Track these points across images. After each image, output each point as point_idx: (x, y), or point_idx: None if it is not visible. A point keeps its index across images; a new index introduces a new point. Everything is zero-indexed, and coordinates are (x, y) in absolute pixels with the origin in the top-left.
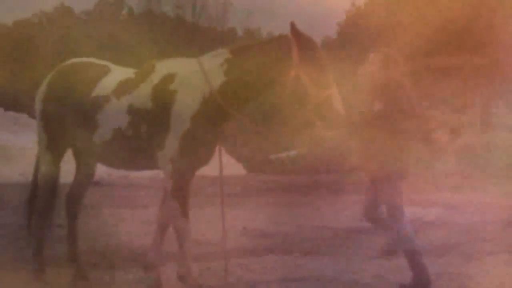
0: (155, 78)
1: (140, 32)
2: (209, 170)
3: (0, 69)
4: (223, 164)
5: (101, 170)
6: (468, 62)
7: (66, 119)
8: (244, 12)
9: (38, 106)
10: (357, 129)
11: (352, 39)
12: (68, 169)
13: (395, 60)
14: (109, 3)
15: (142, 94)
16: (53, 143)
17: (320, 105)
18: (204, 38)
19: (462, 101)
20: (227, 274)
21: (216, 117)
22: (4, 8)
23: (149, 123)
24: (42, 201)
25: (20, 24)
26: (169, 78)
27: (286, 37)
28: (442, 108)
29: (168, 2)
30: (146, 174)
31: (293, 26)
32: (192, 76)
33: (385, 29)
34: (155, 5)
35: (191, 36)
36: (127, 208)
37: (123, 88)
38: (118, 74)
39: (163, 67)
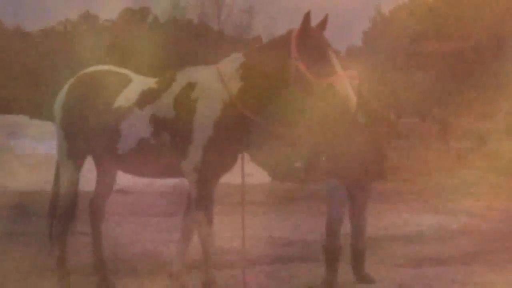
0: (176, 87)
1: (165, 40)
2: (234, 178)
3: (25, 77)
4: (249, 172)
5: (126, 178)
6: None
7: (86, 127)
8: (269, 20)
9: (57, 114)
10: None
11: (377, 46)
12: (90, 177)
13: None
14: (134, 11)
15: (164, 104)
16: (73, 150)
17: (324, 93)
18: (230, 46)
19: (487, 108)
20: (245, 282)
21: (237, 123)
22: (29, 16)
23: (172, 132)
24: (63, 209)
25: (45, 32)
26: (190, 86)
27: (289, 33)
28: (467, 116)
29: (193, 11)
30: (170, 182)
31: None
32: (212, 83)
33: (411, 37)
34: (180, 13)
35: (216, 44)
36: (152, 216)
37: (146, 98)
38: (139, 84)
39: (183, 76)
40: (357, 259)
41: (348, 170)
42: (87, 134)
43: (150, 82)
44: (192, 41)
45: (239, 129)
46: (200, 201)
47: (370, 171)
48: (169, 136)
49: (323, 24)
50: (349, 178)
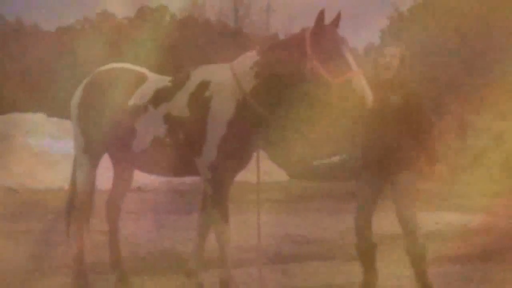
0: (191, 86)
1: (182, 38)
2: (252, 176)
3: (42, 75)
4: (266, 170)
5: (143, 176)
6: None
7: (102, 124)
8: (286, 18)
9: (73, 111)
10: (374, 122)
11: (395, 45)
12: (108, 175)
13: (408, 56)
14: (151, 9)
15: (179, 102)
16: (89, 147)
17: (339, 90)
18: (247, 44)
19: (506, 106)
20: (261, 280)
21: (251, 121)
22: (47, 15)
23: (187, 131)
24: (80, 206)
25: (63, 31)
26: (204, 85)
27: (304, 31)
28: (486, 113)
29: (211, 8)
30: (188, 179)
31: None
32: (226, 81)
33: (428, 35)
34: (198, 11)
35: (233, 42)
36: (169, 213)
37: (160, 96)
38: (155, 82)
39: (197, 75)
40: (415, 265)
41: (382, 159)
42: (103, 131)
43: (165, 81)
44: (209, 39)
45: (253, 127)
46: (216, 199)
47: (407, 159)
48: (183, 134)
49: (336, 22)
50: (385, 169)
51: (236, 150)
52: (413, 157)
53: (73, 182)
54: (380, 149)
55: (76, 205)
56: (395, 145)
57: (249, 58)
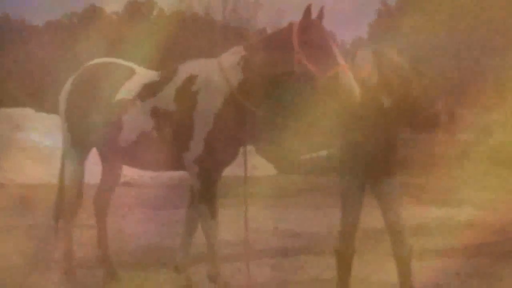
0: (178, 80)
1: (170, 32)
2: (241, 170)
3: (30, 70)
4: (254, 165)
5: (131, 171)
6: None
7: (90, 118)
8: (274, 13)
9: (62, 105)
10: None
11: (383, 39)
12: (96, 170)
13: (387, 56)
14: (140, 3)
15: (166, 97)
16: (77, 142)
17: (327, 85)
18: (235, 38)
19: (494, 100)
20: (249, 275)
21: (238, 116)
22: (35, 9)
23: (173, 125)
24: (68, 201)
25: (51, 25)
26: (191, 79)
27: (291, 25)
28: (473, 107)
29: (198, 3)
30: (176, 174)
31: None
32: (213, 76)
33: (416, 29)
34: (186, 5)
35: (221, 37)
36: (157, 208)
37: (148, 91)
38: (142, 76)
39: (185, 69)
40: (400, 267)
41: (369, 163)
42: (90, 126)
43: (153, 75)
44: (197, 34)
45: (240, 122)
46: (204, 194)
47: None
48: (170, 128)
49: (319, 17)
50: (370, 173)
51: (223, 144)
52: (398, 164)
53: (62, 177)
54: (369, 152)
55: (65, 200)
56: (385, 149)
57: (236, 53)
